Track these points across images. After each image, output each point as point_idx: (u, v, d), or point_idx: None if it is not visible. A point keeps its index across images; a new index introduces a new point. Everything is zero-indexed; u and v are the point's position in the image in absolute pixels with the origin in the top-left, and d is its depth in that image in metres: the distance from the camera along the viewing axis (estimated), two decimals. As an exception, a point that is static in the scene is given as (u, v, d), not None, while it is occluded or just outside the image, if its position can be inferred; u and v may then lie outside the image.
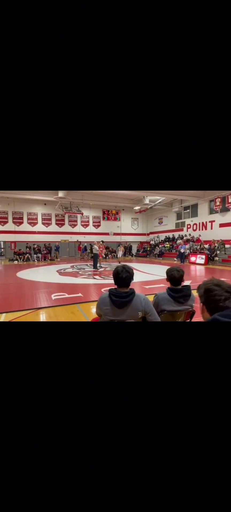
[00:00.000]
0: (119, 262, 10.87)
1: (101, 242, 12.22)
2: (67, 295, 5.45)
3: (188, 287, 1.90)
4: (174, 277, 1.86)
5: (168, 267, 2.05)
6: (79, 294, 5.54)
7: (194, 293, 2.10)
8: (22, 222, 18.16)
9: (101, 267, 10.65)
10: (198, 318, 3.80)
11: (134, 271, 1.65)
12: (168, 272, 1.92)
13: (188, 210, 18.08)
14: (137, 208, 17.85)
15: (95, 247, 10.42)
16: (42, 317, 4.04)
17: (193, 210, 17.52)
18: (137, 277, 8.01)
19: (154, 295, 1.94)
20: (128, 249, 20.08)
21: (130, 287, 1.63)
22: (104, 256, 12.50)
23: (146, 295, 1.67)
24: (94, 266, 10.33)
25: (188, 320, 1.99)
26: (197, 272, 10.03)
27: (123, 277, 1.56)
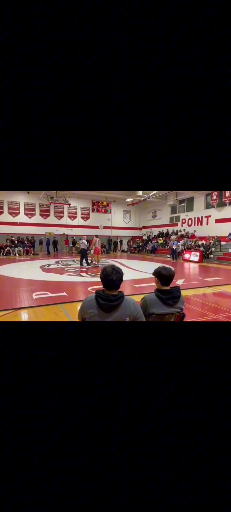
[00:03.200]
0: (96, 262, 10.77)
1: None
2: (50, 294, 5.34)
3: (177, 288, 1.87)
4: (161, 274, 1.82)
5: (160, 264, 2.01)
6: (64, 293, 5.43)
7: (184, 293, 2.07)
8: (2, 212, 17.65)
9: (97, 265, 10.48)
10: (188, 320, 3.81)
11: (124, 267, 1.58)
12: (155, 270, 1.88)
13: (183, 204, 18.26)
14: (129, 200, 17.76)
15: (84, 241, 10.29)
16: (22, 318, 3.91)
17: (189, 204, 17.71)
18: (127, 275, 8.02)
19: (141, 298, 1.90)
20: (118, 244, 20.05)
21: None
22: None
23: (136, 294, 1.62)
24: (81, 263, 10.23)
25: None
26: (190, 270, 10.16)
27: (114, 279, 1.47)
